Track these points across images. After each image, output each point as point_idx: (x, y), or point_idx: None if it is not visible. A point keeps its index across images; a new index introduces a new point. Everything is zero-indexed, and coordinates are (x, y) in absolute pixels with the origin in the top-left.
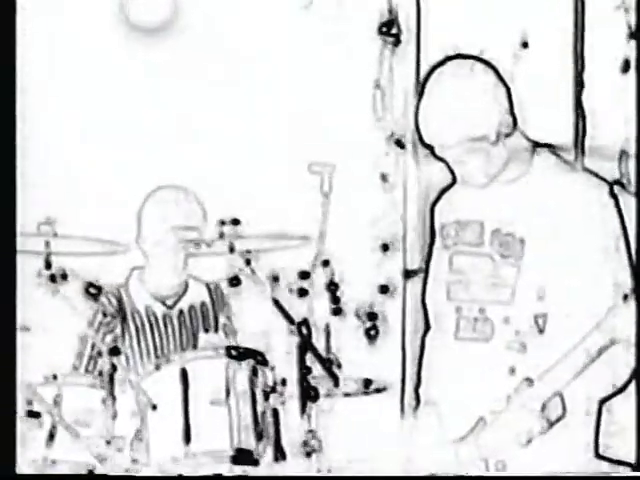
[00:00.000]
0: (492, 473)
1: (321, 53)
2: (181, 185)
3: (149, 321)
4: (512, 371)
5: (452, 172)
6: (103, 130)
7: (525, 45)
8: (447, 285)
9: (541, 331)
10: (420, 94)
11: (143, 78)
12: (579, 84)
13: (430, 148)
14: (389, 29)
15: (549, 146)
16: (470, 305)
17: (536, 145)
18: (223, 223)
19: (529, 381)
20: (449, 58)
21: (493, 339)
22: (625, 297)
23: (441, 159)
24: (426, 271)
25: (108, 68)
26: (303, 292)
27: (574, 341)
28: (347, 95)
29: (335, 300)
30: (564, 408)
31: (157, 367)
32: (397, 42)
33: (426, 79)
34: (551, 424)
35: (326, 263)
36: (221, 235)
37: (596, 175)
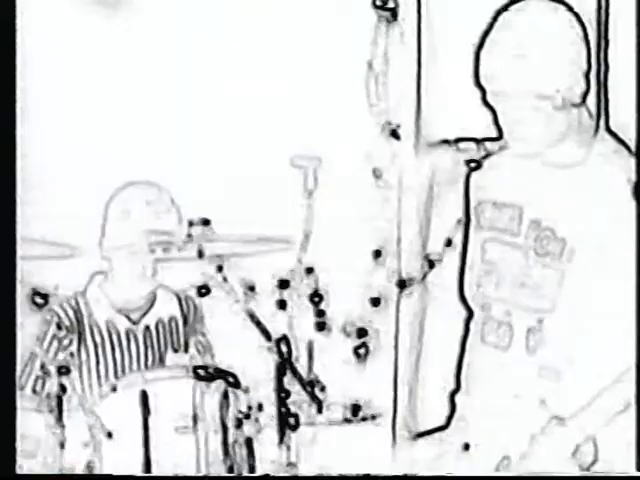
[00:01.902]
0: None
1: (305, 29)
2: (149, 180)
3: (110, 337)
4: (542, 402)
5: (499, 130)
6: (63, 120)
7: None
8: (478, 277)
9: (571, 356)
10: (488, 32)
11: (109, 62)
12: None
13: (482, 91)
14: (385, 2)
15: (614, 134)
16: (498, 305)
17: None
18: (191, 224)
19: (559, 420)
20: None
21: (510, 349)
22: None
23: (489, 106)
24: (464, 254)
25: (70, 53)
26: (282, 304)
27: (614, 374)
28: (335, 78)
29: (319, 313)
30: (596, 453)
31: (113, 389)
32: (394, 17)
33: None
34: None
35: (309, 271)
36: (189, 237)
37: None
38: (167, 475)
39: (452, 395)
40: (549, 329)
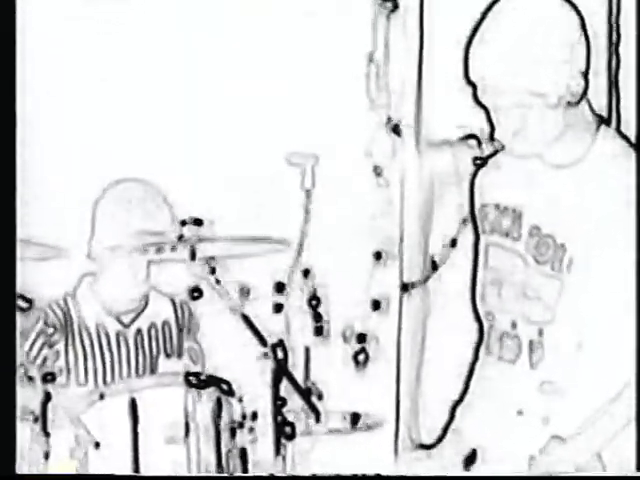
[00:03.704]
0: None
1: (301, 21)
2: (139, 178)
3: (99, 340)
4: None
5: (492, 127)
6: (52, 116)
7: None
8: (482, 286)
9: (573, 367)
10: (478, 24)
11: (103, 59)
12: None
13: (473, 87)
14: None
15: (619, 131)
16: (501, 316)
17: (602, 121)
18: (184, 223)
19: (560, 439)
20: None
21: (517, 362)
22: None
23: (480, 104)
24: (475, 260)
25: (67, 51)
26: (279, 307)
27: (615, 388)
28: (334, 72)
29: (317, 318)
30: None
31: (101, 396)
32: (395, 7)
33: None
34: None
35: (307, 273)
36: (180, 238)
37: None
38: (167, 475)
39: (454, 407)
40: (550, 341)
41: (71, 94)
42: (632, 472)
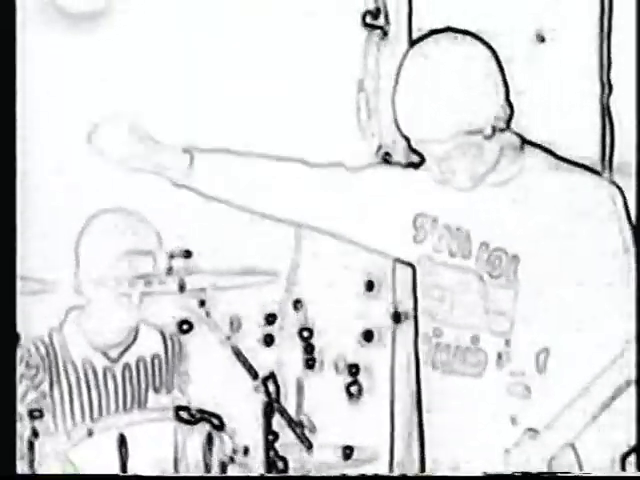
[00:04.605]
0: None
1: (290, 49)
2: (126, 208)
3: (86, 376)
4: (513, 420)
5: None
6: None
7: (542, 40)
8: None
9: (541, 370)
10: (398, 74)
11: (76, 74)
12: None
13: (407, 140)
14: (375, 19)
15: (539, 146)
16: (458, 332)
17: (525, 142)
18: (172, 256)
19: (533, 431)
20: (434, 32)
21: (484, 376)
22: None
23: (417, 153)
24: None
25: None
26: (269, 340)
27: (582, 382)
28: (324, 100)
29: (309, 349)
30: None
31: (89, 433)
32: (384, 35)
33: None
34: None
35: (298, 304)
36: (169, 270)
37: (596, 173)
38: (167, 475)
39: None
40: (514, 349)
41: (70, 97)
42: (632, 472)
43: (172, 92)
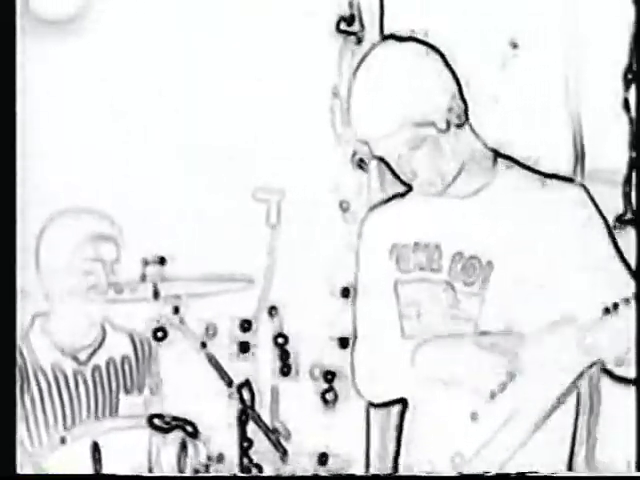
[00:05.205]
0: None
1: (266, 55)
2: (91, 208)
3: (56, 381)
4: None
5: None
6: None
7: (514, 46)
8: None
9: (511, 375)
10: (353, 82)
11: (47, 80)
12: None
13: (370, 149)
14: (349, 25)
15: (508, 157)
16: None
17: (496, 153)
18: (146, 263)
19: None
20: (383, 38)
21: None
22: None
23: (382, 160)
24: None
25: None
26: (244, 347)
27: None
28: (299, 106)
29: (284, 356)
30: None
31: (62, 440)
32: (359, 41)
33: (358, 67)
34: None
35: (273, 310)
36: (143, 277)
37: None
38: (167, 475)
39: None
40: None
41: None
42: (632, 472)
43: (163, 91)
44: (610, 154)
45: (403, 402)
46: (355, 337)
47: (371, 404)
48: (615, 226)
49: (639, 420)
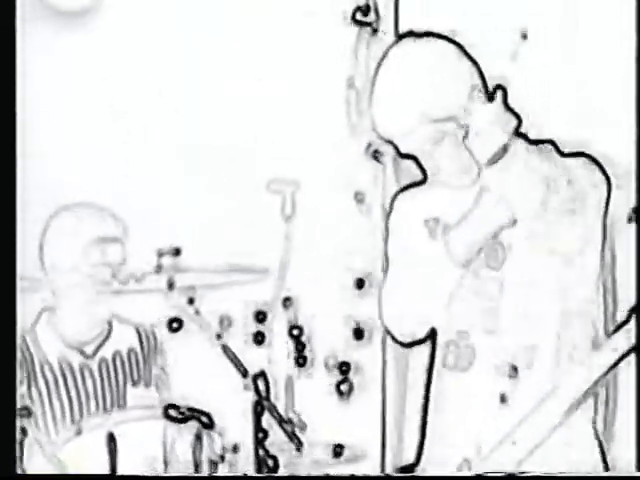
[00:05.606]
0: None
1: (280, 46)
2: (94, 202)
3: (63, 374)
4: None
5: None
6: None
7: (524, 37)
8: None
9: (529, 366)
10: (374, 82)
11: (47, 80)
12: None
13: (395, 147)
14: (365, 16)
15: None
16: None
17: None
18: (161, 254)
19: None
20: (401, 37)
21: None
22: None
23: (411, 157)
24: None
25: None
26: (260, 338)
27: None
28: (314, 97)
29: (299, 347)
30: None
31: (78, 432)
32: (374, 32)
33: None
34: None
35: (288, 302)
36: (158, 268)
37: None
38: (167, 475)
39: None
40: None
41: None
42: (632, 472)
43: (166, 90)
44: (619, 146)
45: (433, 340)
46: (386, 271)
47: (401, 344)
48: (631, 218)
49: (639, 420)
